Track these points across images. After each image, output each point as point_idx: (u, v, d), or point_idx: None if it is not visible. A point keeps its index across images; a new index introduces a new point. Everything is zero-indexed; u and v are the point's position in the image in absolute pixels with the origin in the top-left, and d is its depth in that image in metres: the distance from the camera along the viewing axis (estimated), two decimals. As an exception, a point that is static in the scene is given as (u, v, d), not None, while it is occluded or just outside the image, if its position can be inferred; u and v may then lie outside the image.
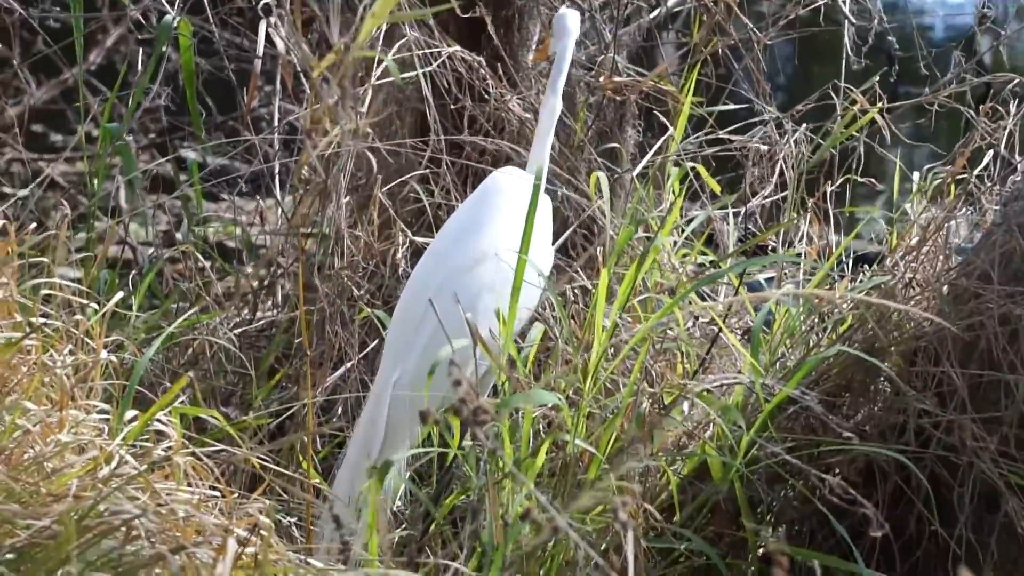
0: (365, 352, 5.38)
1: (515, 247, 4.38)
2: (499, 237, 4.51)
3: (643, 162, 5.64)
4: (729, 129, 5.78)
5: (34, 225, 4.55)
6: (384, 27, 5.60)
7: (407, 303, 4.60)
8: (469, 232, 4.58)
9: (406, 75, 5.56)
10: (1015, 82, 5.36)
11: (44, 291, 4.44)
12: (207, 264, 5.79)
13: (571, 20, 4.80)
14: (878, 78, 5.62)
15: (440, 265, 4.53)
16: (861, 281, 5.07)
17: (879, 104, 5.54)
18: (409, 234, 5.48)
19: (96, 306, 4.49)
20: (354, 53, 4.60)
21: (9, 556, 3.64)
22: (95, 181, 5.90)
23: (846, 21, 6.11)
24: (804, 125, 5.71)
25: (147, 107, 6.61)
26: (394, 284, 5.44)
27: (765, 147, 5.67)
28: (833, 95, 5.66)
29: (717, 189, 5.56)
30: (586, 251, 5.37)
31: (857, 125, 5.56)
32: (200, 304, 5.72)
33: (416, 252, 5.45)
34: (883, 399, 4.71)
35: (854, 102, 5.56)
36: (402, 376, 4.50)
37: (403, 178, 5.52)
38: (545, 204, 4.60)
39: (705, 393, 4.59)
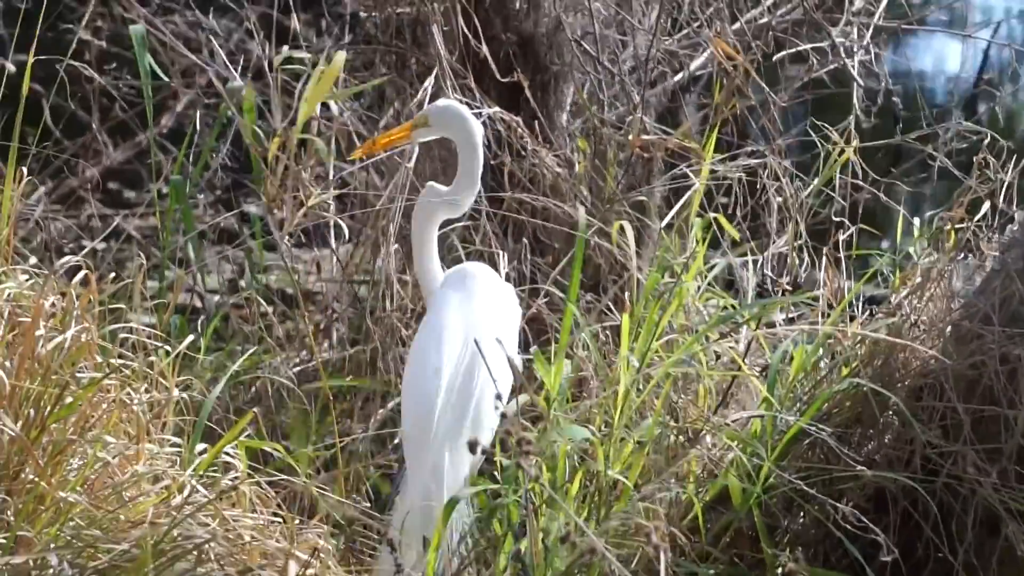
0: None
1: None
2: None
3: (669, 216, 5.68)
4: (741, 163, 5.80)
5: (112, 275, 4.60)
6: (430, 91, 5.66)
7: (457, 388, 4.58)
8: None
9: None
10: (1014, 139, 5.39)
11: (121, 335, 4.49)
12: (269, 309, 5.84)
13: (474, 121, 4.71)
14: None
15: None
16: (870, 320, 5.09)
17: (854, 143, 5.54)
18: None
19: (168, 348, 4.54)
20: (295, 134, 4.73)
21: (92, 577, 3.70)
22: (165, 235, 5.97)
23: (854, 83, 6.15)
24: (814, 180, 5.75)
25: (214, 166, 6.69)
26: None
27: (780, 199, 5.71)
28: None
29: (735, 235, 5.59)
30: (617, 295, 5.40)
31: (841, 161, 5.58)
32: (262, 346, 5.77)
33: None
34: (891, 432, 4.74)
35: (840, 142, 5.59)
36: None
37: (444, 230, 5.56)
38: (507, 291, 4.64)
39: (726, 426, 4.62)
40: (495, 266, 5.42)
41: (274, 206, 5.16)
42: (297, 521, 4.13)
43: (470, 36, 5.71)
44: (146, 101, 5.98)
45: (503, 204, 5.65)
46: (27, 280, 4.38)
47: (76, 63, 5.36)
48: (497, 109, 5.67)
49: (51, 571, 3.74)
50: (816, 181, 5.64)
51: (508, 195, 5.61)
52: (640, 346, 4.65)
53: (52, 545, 3.84)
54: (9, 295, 4.26)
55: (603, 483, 4.43)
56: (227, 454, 4.28)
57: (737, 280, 5.68)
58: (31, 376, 4.05)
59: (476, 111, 5.63)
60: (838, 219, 5.68)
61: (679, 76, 6.23)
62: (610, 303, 5.31)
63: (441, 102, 4.79)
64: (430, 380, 4.42)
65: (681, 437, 4.62)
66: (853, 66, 6.13)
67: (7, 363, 4.06)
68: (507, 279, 5.49)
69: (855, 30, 6.23)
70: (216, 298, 6.67)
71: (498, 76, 5.71)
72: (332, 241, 6.11)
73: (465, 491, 4.30)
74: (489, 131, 5.65)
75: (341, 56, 5.20)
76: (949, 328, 4.78)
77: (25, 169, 4.43)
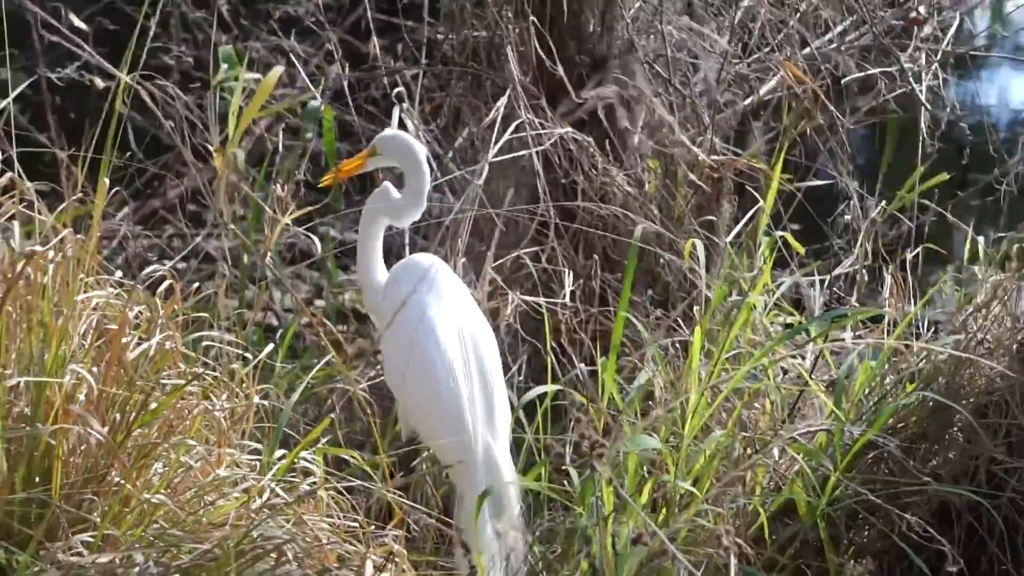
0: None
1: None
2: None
3: (735, 230, 5.73)
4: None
5: (195, 286, 4.71)
6: (502, 112, 5.74)
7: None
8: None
9: (522, 152, 5.69)
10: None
11: (203, 344, 4.59)
12: (343, 327, 5.93)
13: (418, 146, 4.77)
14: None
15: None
16: (935, 339, 5.13)
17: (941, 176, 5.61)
18: (515, 295, 5.57)
19: (249, 356, 4.63)
20: (230, 148, 4.84)
21: None
22: (247, 253, 6.08)
23: (922, 108, 6.19)
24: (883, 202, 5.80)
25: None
26: (507, 339, 5.53)
27: (848, 217, 5.76)
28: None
29: (801, 250, 5.63)
30: (685, 311, 5.45)
31: (920, 189, 5.63)
32: (335, 358, 5.86)
33: (522, 312, 5.56)
34: (956, 447, 4.78)
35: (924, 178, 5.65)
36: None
37: (516, 252, 5.63)
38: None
39: (793, 440, 4.68)
40: (562, 284, 5.52)
41: (220, 212, 5.30)
42: (373, 526, 4.21)
43: (544, 57, 5.79)
44: (230, 121, 6.10)
45: (575, 219, 5.71)
46: (113, 291, 4.49)
47: (165, 81, 5.48)
48: (569, 129, 5.74)
49: (136, 569, 3.84)
50: (892, 204, 5.68)
51: (578, 204, 5.67)
52: (713, 361, 4.72)
53: (137, 544, 3.94)
54: (96, 304, 4.37)
55: (672, 493, 4.49)
56: (305, 460, 4.37)
57: (804, 299, 5.73)
58: (117, 382, 4.15)
59: (548, 131, 5.71)
60: (904, 240, 5.73)
61: (749, 100, 6.28)
62: (679, 318, 5.36)
63: (388, 132, 4.88)
64: (447, 385, 4.56)
65: (749, 449, 4.68)
66: (921, 91, 6.17)
67: (95, 369, 4.16)
68: (572, 296, 5.56)
69: (923, 56, 6.27)
70: (292, 317, 6.77)
71: (574, 96, 5.78)
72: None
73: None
74: (560, 150, 5.73)
75: (277, 71, 5.30)
76: (1015, 347, 4.82)
77: (108, 181, 4.53)
